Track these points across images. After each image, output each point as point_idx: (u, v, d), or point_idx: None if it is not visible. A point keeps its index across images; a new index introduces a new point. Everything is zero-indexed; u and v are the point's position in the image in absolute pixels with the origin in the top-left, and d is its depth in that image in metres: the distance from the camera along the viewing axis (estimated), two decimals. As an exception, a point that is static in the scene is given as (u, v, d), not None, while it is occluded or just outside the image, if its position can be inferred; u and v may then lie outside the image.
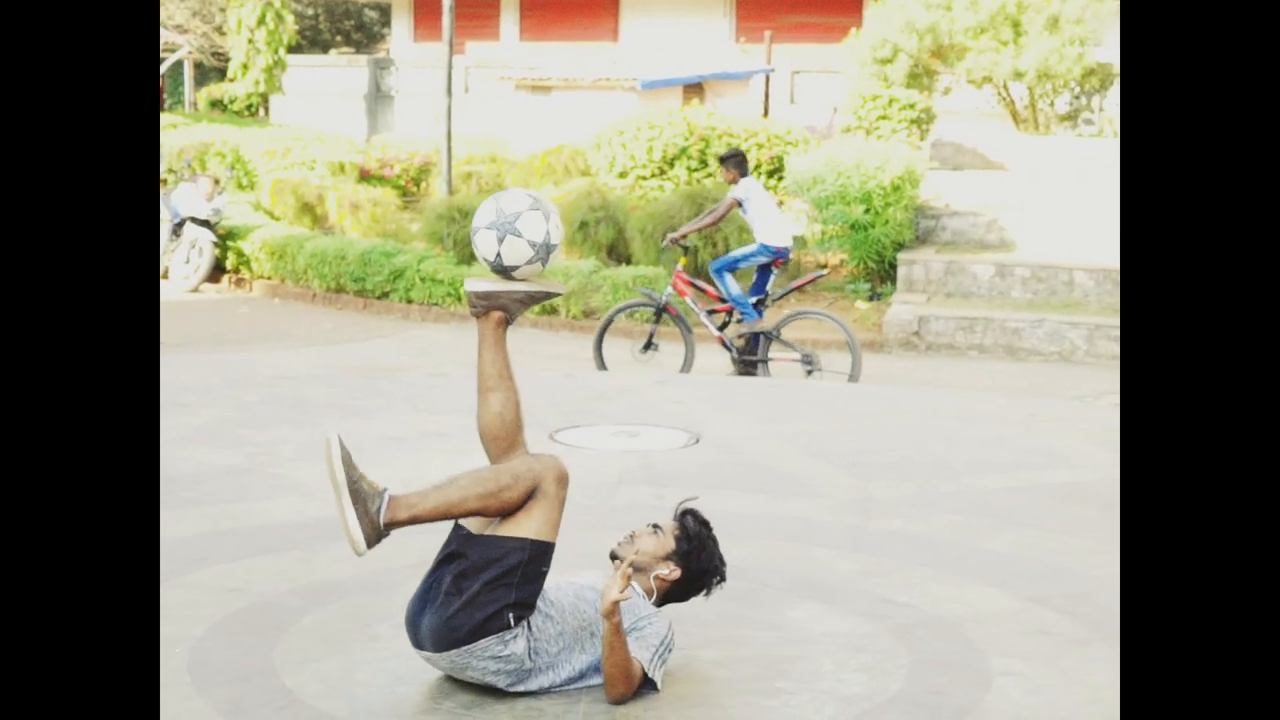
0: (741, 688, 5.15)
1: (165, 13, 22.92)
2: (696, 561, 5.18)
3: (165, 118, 30.72)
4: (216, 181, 18.48)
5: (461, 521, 4.91)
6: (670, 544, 5.15)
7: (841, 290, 15.87)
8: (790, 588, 6.27)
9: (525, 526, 4.81)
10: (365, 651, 5.36)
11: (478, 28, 32.86)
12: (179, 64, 37.09)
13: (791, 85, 26.87)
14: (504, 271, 4.96)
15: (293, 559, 6.49)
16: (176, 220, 17.73)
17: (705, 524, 5.27)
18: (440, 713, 4.84)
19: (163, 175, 19.69)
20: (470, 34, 32.18)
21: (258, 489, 7.81)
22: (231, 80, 33.25)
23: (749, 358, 12.75)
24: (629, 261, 15.69)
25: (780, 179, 18.14)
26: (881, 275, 15.57)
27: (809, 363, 12.49)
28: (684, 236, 13.02)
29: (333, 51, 45.05)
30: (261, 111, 33.96)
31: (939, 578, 6.44)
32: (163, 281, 17.87)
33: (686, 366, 12.77)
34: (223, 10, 31.90)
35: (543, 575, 4.87)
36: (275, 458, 8.55)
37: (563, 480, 4.87)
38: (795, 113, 24.74)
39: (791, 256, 12.95)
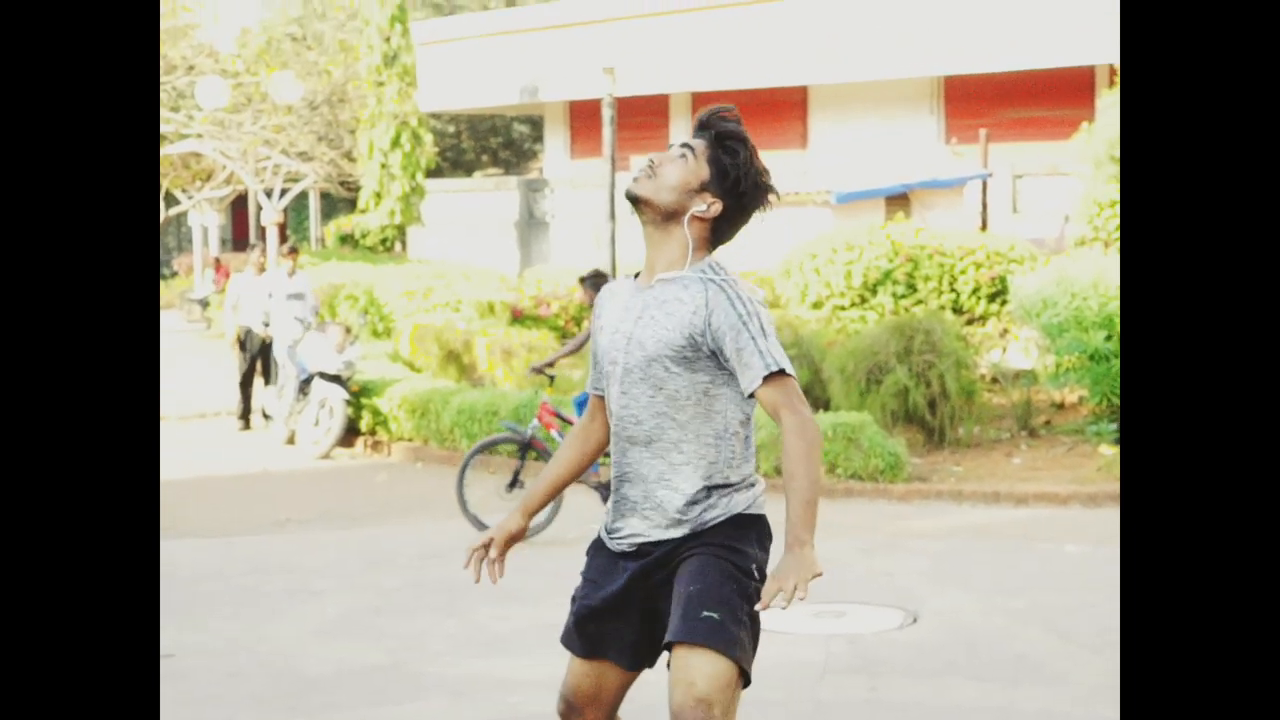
0: None
1: (288, 139, 23.61)
2: (740, 185, 4.79)
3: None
4: (348, 330, 18.85)
5: None
6: (705, 170, 4.77)
7: (1082, 433, 15.62)
8: (1031, 796, 6.21)
9: None
10: None
11: (643, 139, 33.28)
12: (304, 195, 38.15)
13: (1013, 191, 26.81)
14: None
15: (444, 773, 6.56)
16: (304, 376, 18.10)
17: (742, 134, 4.83)
18: None
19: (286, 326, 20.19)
20: (635, 146, 32.61)
21: (401, 690, 7.92)
22: (363, 211, 34.04)
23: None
24: (827, 407, 15.63)
25: (1004, 303, 18.08)
26: (1129, 413, 15.35)
27: None
28: (550, 365, 13.68)
29: (478, 173, 45.97)
30: (398, 246, 34.72)
31: (1211, 780, 6.33)
32: (289, 448, 18.23)
33: (555, 509, 12.49)
34: (352, 133, 32.74)
35: None
36: (422, 653, 8.67)
37: None
38: (1019, 223, 24.67)
39: None
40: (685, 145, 4.77)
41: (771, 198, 4.85)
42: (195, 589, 10.60)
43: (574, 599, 4.87)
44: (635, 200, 4.74)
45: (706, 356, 4.63)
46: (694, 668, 4.47)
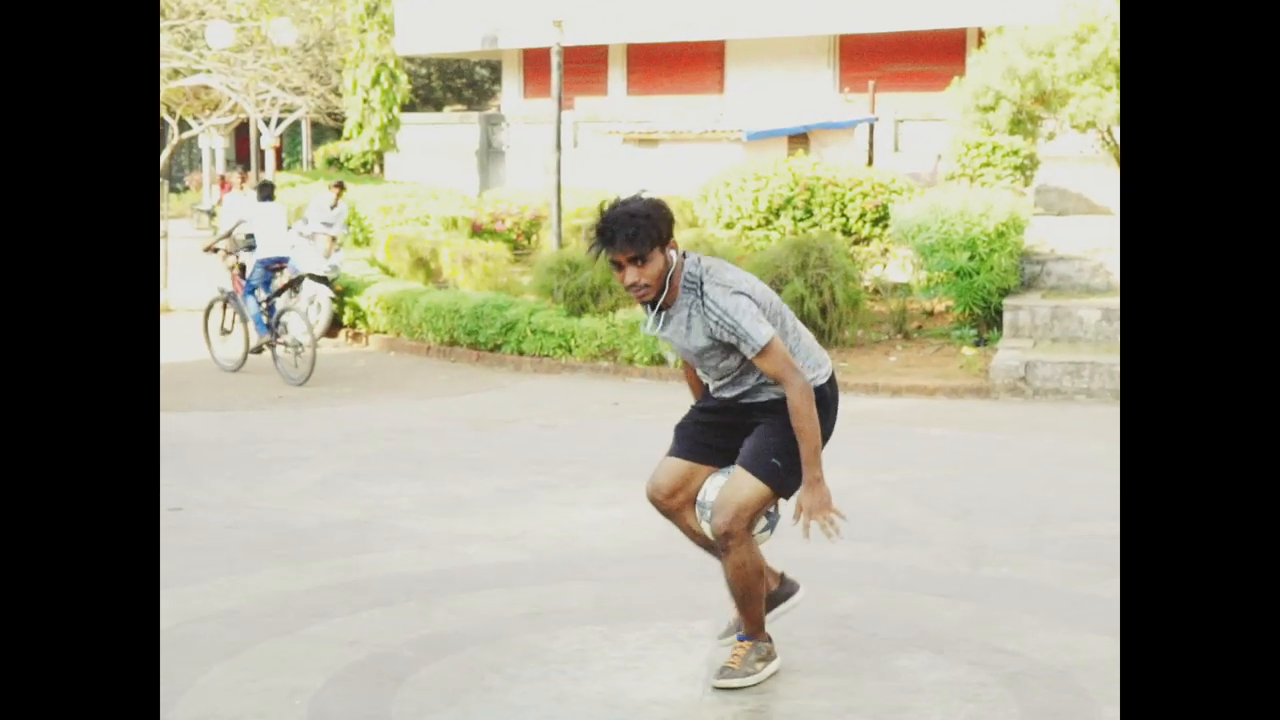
0: (851, 738, 5.12)
1: (284, 76, 23.36)
2: (661, 229, 5.23)
3: (283, 176, 31.23)
4: (333, 239, 18.72)
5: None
6: (658, 257, 5.25)
7: (947, 336, 15.69)
8: (900, 636, 6.23)
9: None
10: (479, 703, 5.38)
11: (586, 83, 33.07)
12: (297, 124, 37.72)
13: (895, 134, 26.78)
14: None
15: (408, 611, 6.54)
16: (296, 276, 17.92)
17: (627, 214, 5.23)
18: (554, 764, 4.85)
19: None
20: (579, 89, 32.41)
21: (375, 542, 7.89)
22: (347, 139, 33.78)
23: (261, 342, 15.31)
24: (736, 311, 15.64)
25: (885, 227, 18.03)
26: (987, 321, 15.39)
27: (295, 349, 14.62)
28: (212, 247, 16.42)
29: (445, 109, 45.52)
30: (376, 168, 34.45)
31: (1048, 625, 6.37)
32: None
33: (246, 344, 15.53)
34: (339, 72, 32.40)
35: None
36: (392, 510, 8.64)
37: None
38: (899, 161, 24.62)
39: (286, 263, 15.99)
40: (632, 259, 5.18)
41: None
42: (200, 455, 10.51)
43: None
44: (652, 304, 5.34)
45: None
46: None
